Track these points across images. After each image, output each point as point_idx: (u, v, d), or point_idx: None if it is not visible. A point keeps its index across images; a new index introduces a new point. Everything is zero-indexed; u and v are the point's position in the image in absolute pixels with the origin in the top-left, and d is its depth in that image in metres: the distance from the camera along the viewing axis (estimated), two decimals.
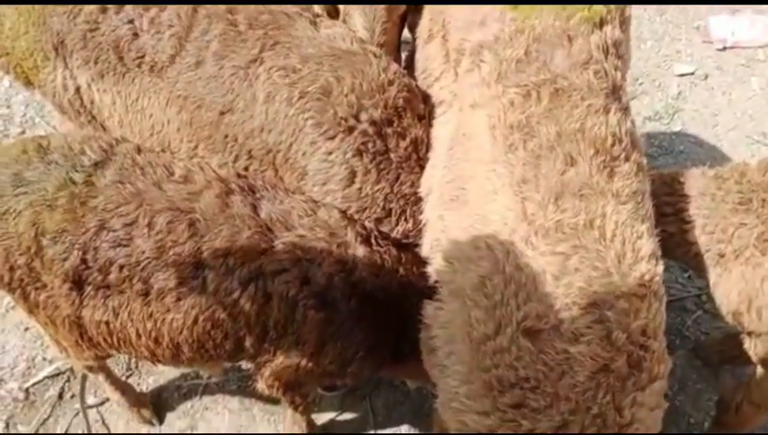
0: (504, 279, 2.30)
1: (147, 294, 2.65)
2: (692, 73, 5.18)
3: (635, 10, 5.25)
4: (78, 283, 2.65)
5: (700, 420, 3.90)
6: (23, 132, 4.84)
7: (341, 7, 3.36)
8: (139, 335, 2.75)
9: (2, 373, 4.02)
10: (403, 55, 3.64)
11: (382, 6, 3.21)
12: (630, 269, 2.26)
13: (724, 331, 3.99)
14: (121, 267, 2.62)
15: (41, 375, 4.03)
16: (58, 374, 4.04)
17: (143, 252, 2.61)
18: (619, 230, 2.29)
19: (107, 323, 2.73)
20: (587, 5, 2.50)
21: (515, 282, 2.28)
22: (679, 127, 4.97)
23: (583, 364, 2.17)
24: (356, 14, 3.26)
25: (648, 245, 2.33)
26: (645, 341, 2.22)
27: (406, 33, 3.54)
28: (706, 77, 5.17)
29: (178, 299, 2.66)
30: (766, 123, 4.93)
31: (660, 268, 2.35)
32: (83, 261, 2.61)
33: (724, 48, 5.26)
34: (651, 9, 5.48)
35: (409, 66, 3.36)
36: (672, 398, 3.98)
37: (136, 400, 3.84)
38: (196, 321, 2.70)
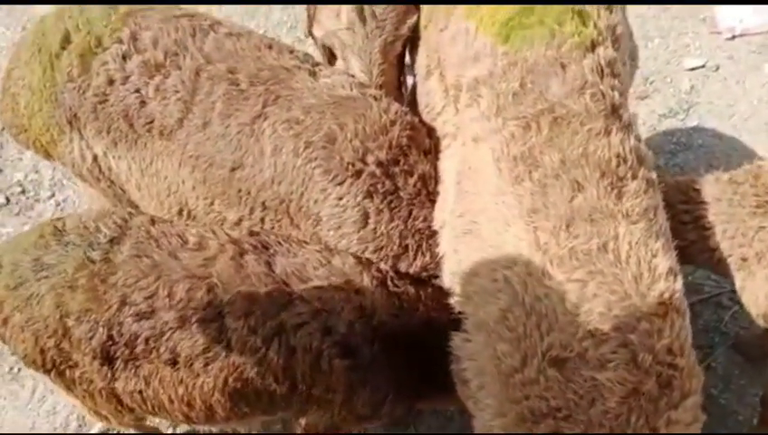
0: (524, 311, 2.31)
1: (175, 362, 2.70)
2: (703, 66, 5.13)
3: (638, 9, 5.28)
4: (107, 358, 2.70)
5: (748, 416, 3.83)
6: (52, 195, 4.94)
7: (339, 53, 3.41)
8: (171, 401, 2.79)
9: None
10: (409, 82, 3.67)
11: (377, 50, 3.27)
12: (649, 289, 2.25)
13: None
14: (147, 339, 2.66)
15: (93, 431, 4.06)
16: (109, 430, 4.06)
17: (166, 322, 2.65)
18: (634, 251, 2.28)
19: (140, 392, 2.77)
20: (576, 32, 2.50)
21: (536, 313, 2.29)
22: (696, 121, 4.92)
23: (612, 390, 2.17)
24: (353, 59, 3.32)
25: (665, 262, 2.31)
26: (672, 359, 2.21)
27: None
28: (718, 68, 5.11)
29: (206, 364, 2.70)
30: None
31: (679, 284, 2.33)
32: (110, 337, 2.66)
33: (733, 37, 5.20)
34: (655, 6, 5.44)
35: (413, 100, 3.39)
36: (717, 397, 3.93)
37: None
38: (225, 382, 2.73)
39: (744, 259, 2.85)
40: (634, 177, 2.41)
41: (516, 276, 2.36)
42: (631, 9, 3.21)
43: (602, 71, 2.52)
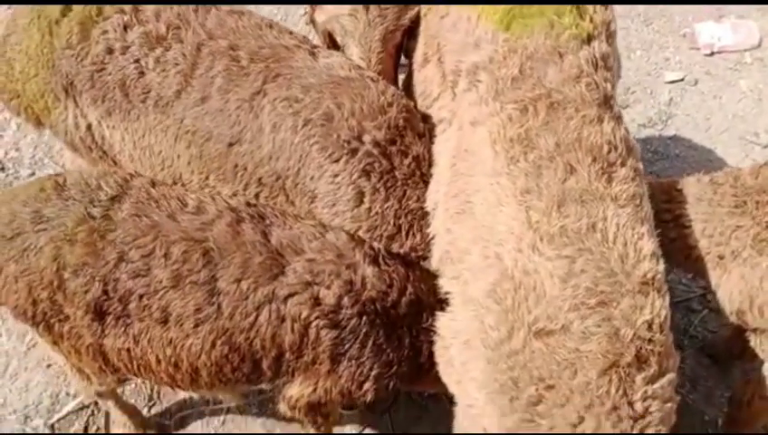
0: (513, 285, 2.39)
1: (165, 321, 2.75)
2: (682, 80, 5.31)
3: (622, 21, 5.43)
4: (99, 313, 2.74)
5: (714, 416, 3.95)
6: (32, 174, 4.94)
7: (339, 39, 3.49)
8: (159, 361, 2.83)
9: (27, 410, 4.07)
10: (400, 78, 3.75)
11: (377, 38, 3.35)
12: (633, 268, 2.35)
13: (730, 328, 4.06)
14: (141, 297, 2.71)
15: (65, 410, 4.07)
16: (82, 408, 4.08)
17: (161, 281, 2.71)
18: (621, 232, 2.38)
19: (128, 350, 2.81)
20: (574, 24, 2.61)
21: (525, 287, 2.37)
22: (673, 132, 5.08)
23: (594, 362, 2.25)
24: (352, 45, 3.40)
25: (649, 245, 2.42)
26: (651, 335, 2.30)
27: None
28: (696, 82, 5.29)
29: (196, 325, 2.75)
30: (757, 124, 5.05)
31: (662, 266, 2.44)
32: (104, 292, 2.70)
33: (712, 53, 5.39)
34: (638, 20, 5.63)
35: (406, 90, 3.47)
36: (684, 396, 4.04)
37: (142, 421, 3.92)
38: (213, 345, 2.78)
39: (721, 257, 2.96)
40: (623, 164, 2.53)
41: (507, 253, 2.45)
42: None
43: (597, 63, 2.65)
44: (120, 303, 2.72)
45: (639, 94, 5.25)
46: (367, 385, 3.00)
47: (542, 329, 2.32)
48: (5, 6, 5.35)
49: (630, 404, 2.29)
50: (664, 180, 3.24)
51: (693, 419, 3.98)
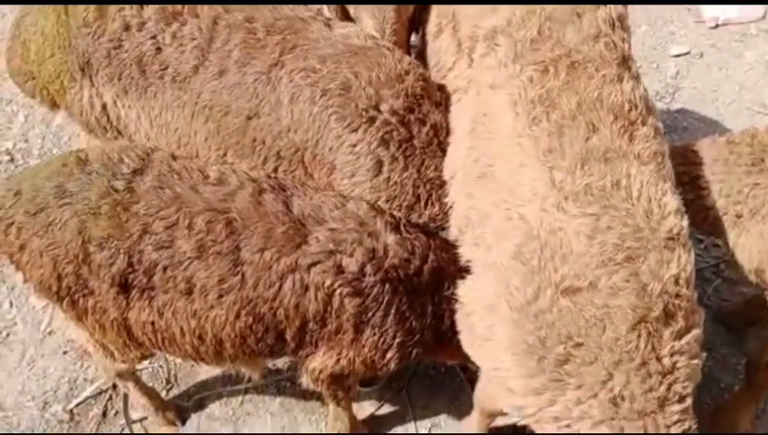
0: (539, 245, 2.40)
1: (190, 292, 2.76)
2: (688, 53, 5.33)
3: None
4: (124, 286, 2.75)
5: (730, 383, 3.97)
6: None
7: (352, 12, 3.49)
8: (183, 333, 2.85)
9: (45, 397, 4.08)
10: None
11: (391, 7, 3.34)
12: (659, 224, 2.37)
13: (744, 296, 4.09)
14: (165, 268, 2.72)
15: (83, 395, 4.09)
16: (100, 393, 4.10)
17: (185, 252, 2.71)
18: (645, 189, 2.40)
19: (152, 323, 2.83)
20: None
21: (550, 246, 2.38)
22: (680, 105, 5.10)
23: (623, 317, 2.27)
24: (366, 17, 3.40)
25: (673, 201, 2.44)
26: (678, 290, 2.32)
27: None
28: (702, 55, 5.31)
29: (220, 296, 2.76)
30: (764, 94, 5.07)
31: (686, 223, 2.45)
32: (129, 264, 2.71)
33: (717, 26, 5.41)
34: None
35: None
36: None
37: (161, 403, 3.94)
38: (238, 316, 2.80)
39: (739, 216, 2.97)
40: (644, 123, 2.55)
41: (531, 213, 2.46)
42: None
43: (614, 23, 2.67)
44: (145, 275, 2.73)
45: (646, 69, 5.26)
46: (390, 354, 3.02)
47: (569, 287, 2.33)
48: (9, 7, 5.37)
49: (659, 359, 2.31)
50: (679, 144, 3.25)
51: (709, 386, 4.00)
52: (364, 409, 4.02)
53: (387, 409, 4.05)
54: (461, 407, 3.94)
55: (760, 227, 2.90)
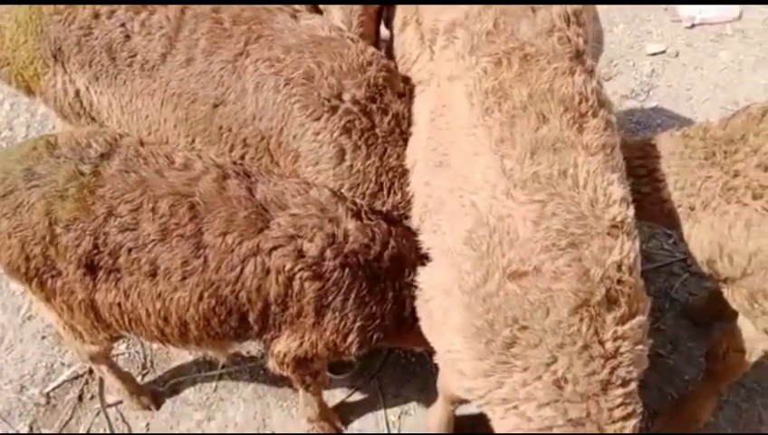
0: (488, 230, 2.47)
1: (154, 274, 2.83)
2: (663, 52, 5.41)
3: None
4: (91, 267, 2.83)
5: (694, 375, 4.04)
6: None
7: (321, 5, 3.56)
8: (148, 315, 2.92)
9: (23, 380, 4.17)
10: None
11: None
12: (603, 212, 2.42)
13: (710, 290, 4.16)
14: (130, 250, 2.80)
15: (60, 379, 4.18)
16: (77, 377, 4.19)
17: (149, 235, 2.79)
18: (591, 178, 2.46)
19: (119, 304, 2.90)
20: None
21: (499, 232, 2.45)
22: (655, 103, 5.17)
23: (565, 301, 2.33)
24: (334, 9, 3.47)
25: (619, 191, 2.49)
26: (620, 276, 2.37)
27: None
28: (677, 54, 5.39)
29: (183, 278, 2.83)
30: (738, 93, 5.14)
31: (631, 211, 2.51)
32: (95, 246, 2.79)
33: (693, 26, 5.49)
34: None
35: (387, 56, 3.54)
36: (666, 357, 4.14)
37: (135, 387, 4.02)
38: (201, 298, 2.87)
39: (692, 208, 3.03)
40: (594, 115, 2.60)
41: (482, 200, 2.52)
42: None
43: (569, 18, 2.72)
44: (111, 257, 2.81)
45: (622, 67, 5.34)
46: (351, 337, 3.09)
47: (515, 271, 2.39)
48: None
49: (601, 343, 2.36)
50: (639, 138, 3.31)
51: (673, 378, 4.08)
52: (335, 396, 4.10)
53: (358, 396, 4.12)
54: (431, 394, 3.99)
55: (711, 218, 2.95)
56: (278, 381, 3.96)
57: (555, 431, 2.42)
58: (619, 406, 2.42)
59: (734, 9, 5.49)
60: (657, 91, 5.23)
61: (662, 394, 4.03)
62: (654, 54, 5.40)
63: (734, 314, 3.33)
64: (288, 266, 2.87)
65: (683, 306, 4.31)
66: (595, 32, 3.17)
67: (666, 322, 4.27)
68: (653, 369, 4.00)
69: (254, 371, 4.15)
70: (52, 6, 3.24)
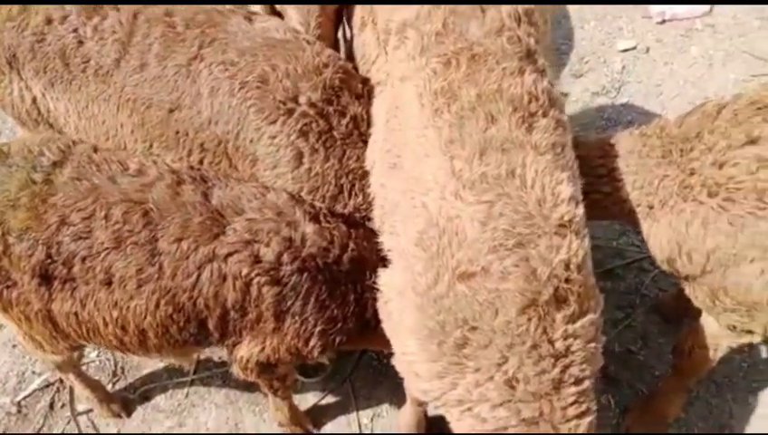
0: (438, 231, 2.46)
1: (109, 283, 2.81)
2: (634, 48, 5.42)
3: None
4: (45, 277, 2.81)
5: (664, 371, 4.04)
6: None
7: (278, 6, 3.55)
8: (106, 324, 2.90)
9: None
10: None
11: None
12: (551, 211, 2.41)
13: (678, 287, 4.16)
14: (83, 259, 2.78)
15: (31, 388, 4.17)
16: (48, 386, 4.18)
17: (102, 243, 2.77)
18: (539, 177, 2.45)
19: (75, 314, 2.88)
20: None
21: (448, 232, 2.44)
22: (626, 99, 5.18)
23: (513, 300, 2.32)
24: (291, 10, 3.46)
25: (568, 190, 2.48)
26: (569, 275, 2.37)
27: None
28: (648, 50, 5.40)
29: (139, 286, 2.82)
30: (708, 88, 5.15)
31: (581, 211, 2.50)
32: (48, 256, 2.77)
33: (663, 21, 5.50)
34: None
35: (349, 57, 3.54)
36: (636, 353, 4.15)
37: (105, 395, 4.01)
38: (157, 305, 2.85)
39: (651, 207, 3.03)
40: (544, 115, 2.59)
41: (432, 201, 2.52)
42: None
43: (519, 18, 2.71)
44: (65, 266, 2.79)
45: (593, 63, 5.35)
46: (313, 341, 3.08)
47: (464, 272, 2.39)
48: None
49: (551, 342, 2.36)
50: (600, 137, 3.31)
51: (644, 374, 4.09)
52: (308, 399, 4.10)
53: (330, 399, 4.12)
54: (403, 396, 3.99)
55: (669, 217, 2.95)
56: (250, 386, 3.94)
57: (510, 431, 2.41)
58: (572, 404, 2.41)
59: (703, 5, 5.49)
60: (628, 87, 5.24)
61: (633, 390, 4.05)
62: (625, 51, 5.41)
63: (699, 312, 3.33)
64: (245, 272, 2.86)
65: (653, 302, 4.32)
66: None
67: (636, 318, 4.28)
68: (624, 365, 4.08)
69: (225, 376, 4.14)
70: (5, 12, 3.23)
